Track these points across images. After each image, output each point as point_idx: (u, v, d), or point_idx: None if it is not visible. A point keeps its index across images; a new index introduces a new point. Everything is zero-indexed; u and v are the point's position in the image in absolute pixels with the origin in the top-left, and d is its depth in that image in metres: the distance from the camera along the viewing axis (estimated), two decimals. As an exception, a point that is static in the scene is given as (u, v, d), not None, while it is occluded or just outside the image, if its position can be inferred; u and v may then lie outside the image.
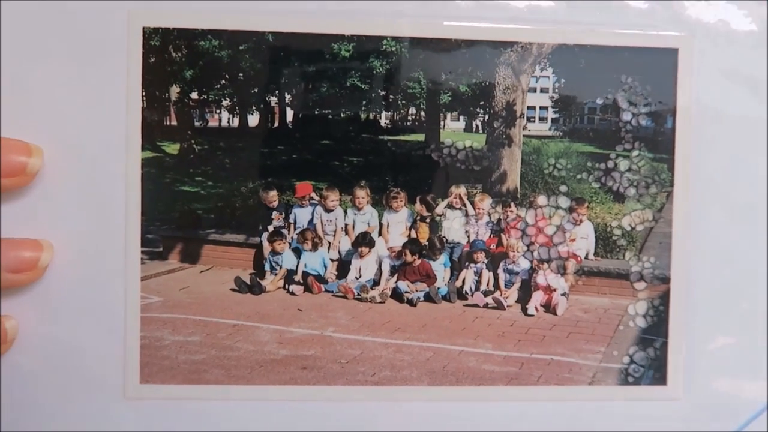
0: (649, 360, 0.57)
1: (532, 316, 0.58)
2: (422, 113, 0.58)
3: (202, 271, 0.58)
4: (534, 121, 0.58)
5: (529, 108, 0.58)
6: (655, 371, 0.57)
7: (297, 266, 0.58)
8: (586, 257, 0.58)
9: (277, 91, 0.57)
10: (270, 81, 0.56)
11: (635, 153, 0.57)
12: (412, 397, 0.56)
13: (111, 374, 0.54)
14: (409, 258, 0.59)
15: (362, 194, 0.58)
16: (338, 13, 0.53)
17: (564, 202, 0.58)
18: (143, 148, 0.53)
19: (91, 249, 0.53)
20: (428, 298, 0.58)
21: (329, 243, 0.59)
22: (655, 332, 0.58)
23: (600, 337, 0.58)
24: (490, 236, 0.59)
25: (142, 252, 0.54)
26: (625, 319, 0.58)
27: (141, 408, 0.55)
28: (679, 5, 0.55)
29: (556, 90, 0.58)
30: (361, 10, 0.54)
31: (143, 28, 0.53)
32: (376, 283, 0.58)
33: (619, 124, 0.57)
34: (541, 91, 0.58)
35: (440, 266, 0.59)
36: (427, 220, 0.59)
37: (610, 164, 0.57)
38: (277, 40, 0.54)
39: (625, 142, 0.57)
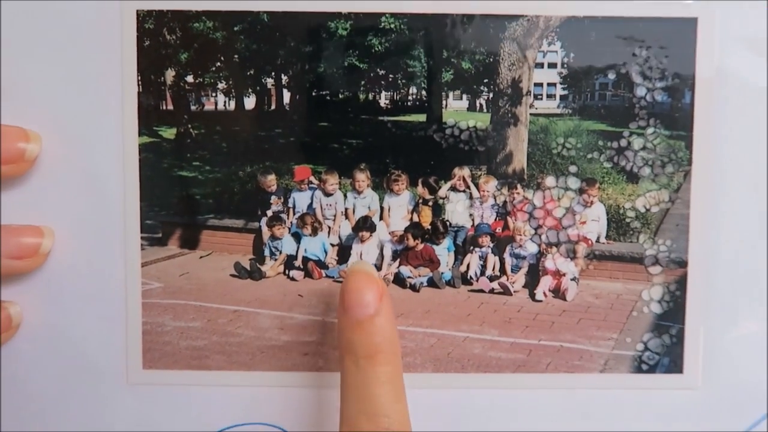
0: (665, 347, 0.55)
1: (540, 301, 0.56)
2: (423, 92, 0.56)
3: (201, 257, 0.57)
4: (541, 99, 0.56)
5: (536, 85, 0.55)
6: (671, 359, 0.55)
7: (297, 251, 0.57)
8: (598, 240, 0.56)
9: (273, 73, 0.55)
10: (266, 62, 0.55)
11: (650, 130, 0.54)
12: (416, 384, 0.54)
13: (113, 360, 0.55)
14: (411, 242, 0.57)
15: (362, 177, 0.56)
16: (334, -10, 0.52)
17: (574, 183, 0.55)
18: (140, 134, 0.53)
19: (91, 235, 0.54)
20: (431, 283, 0.57)
21: (329, 227, 0.58)
22: (671, 318, 0.55)
23: (612, 324, 0.56)
24: (495, 219, 0.57)
25: (142, 238, 0.54)
26: (639, 304, 0.56)
27: (144, 393, 0.55)
28: (697, -29, 0.52)
29: (565, 65, 0.55)
30: (357, -14, 0.52)
31: (137, 11, 0.52)
32: (377, 268, 0.57)
33: (632, 100, 0.54)
34: (549, 66, 0.55)
35: (444, 251, 0.57)
36: (430, 204, 0.57)
37: (623, 143, 0.55)
38: (272, 20, 0.53)
39: (639, 119, 0.54)
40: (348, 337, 0.46)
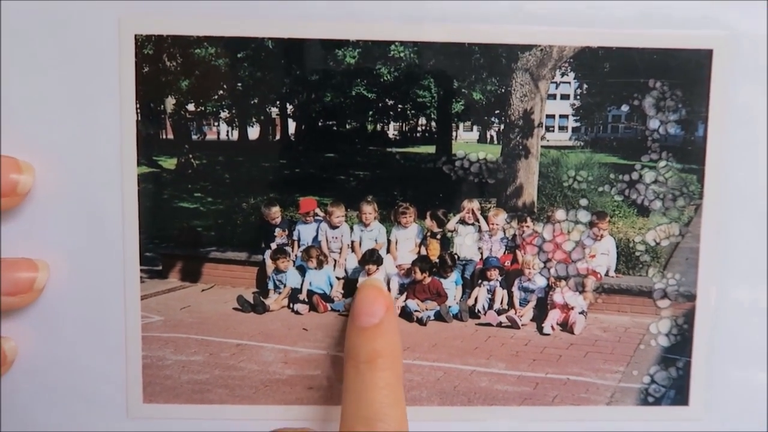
0: (671, 380, 0.55)
1: (548, 335, 0.56)
2: (433, 123, 0.54)
3: (203, 290, 0.56)
4: (553, 131, 0.55)
5: (548, 116, 0.54)
6: (677, 391, 0.55)
7: (301, 285, 0.56)
8: (607, 274, 0.55)
9: (278, 102, 0.53)
10: (270, 91, 0.53)
11: (662, 163, 0.53)
12: (423, 417, 0.54)
13: (113, 394, 0.54)
14: (418, 276, 0.56)
15: (369, 210, 0.55)
16: (342, 17, 0.50)
17: (584, 216, 0.54)
18: (139, 164, 0.51)
19: (89, 268, 0.52)
20: (439, 317, 0.56)
21: (335, 261, 0.56)
22: (678, 351, 0.55)
23: (619, 357, 0.55)
24: (504, 253, 0.56)
25: (142, 270, 0.52)
26: (646, 338, 0.55)
27: (144, 428, 0.54)
28: (712, 2, 0.51)
29: (578, 97, 0.54)
30: (367, 14, 0.50)
31: (135, 35, 0.50)
32: (384, 301, 0.56)
33: (645, 132, 0.53)
34: (562, 97, 0.54)
35: (451, 284, 0.56)
36: (438, 237, 0.56)
37: (635, 176, 0.54)
38: (277, 47, 0.51)
39: (651, 151, 0.53)
40: (352, 343, 0.48)
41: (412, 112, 0.54)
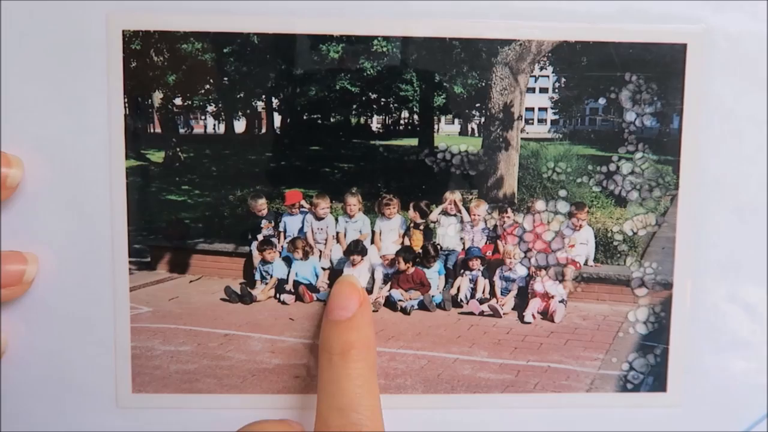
0: (649, 367, 0.56)
1: (529, 323, 0.57)
2: (415, 116, 0.56)
3: (191, 281, 0.56)
4: (532, 123, 0.56)
5: (527, 109, 0.55)
6: (655, 378, 0.56)
7: (288, 275, 0.57)
8: (586, 263, 0.57)
9: (263, 96, 0.54)
10: (256, 85, 0.54)
11: (639, 155, 0.55)
12: (407, 405, 0.55)
13: (103, 384, 0.54)
14: (402, 266, 0.57)
15: (354, 201, 0.56)
16: (326, 13, 0.51)
17: (563, 207, 0.56)
18: (127, 157, 0.52)
19: (78, 260, 0.53)
20: (422, 306, 0.57)
21: (320, 251, 0.57)
22: (656, 339, 0.56)
23: (598, 344, 0.57)
24: (486, 243, 0.57)
25: (130, 262, 0.53)
26: (624, 325, 0.57)
27: (133, 417, 0.55)
28: (687, -2, 0.52)
29: (556, 90, 0.55)
30: (350, 9, 0.51)
31: (123, 31, 0.51)
32: (368, 291, 0.57)
33: (622, 125, 0.55)
34: (541, 91, 0.55)
35: (434, 274, 0.57)
36: (421, 227, 0.57)
37: (612, 167, 0.55)
38: (263, 42, 0.52)
39: (628, 143, 0.55)
40: (326, 336, 0.50)
41: (395, 105, 0.55)
